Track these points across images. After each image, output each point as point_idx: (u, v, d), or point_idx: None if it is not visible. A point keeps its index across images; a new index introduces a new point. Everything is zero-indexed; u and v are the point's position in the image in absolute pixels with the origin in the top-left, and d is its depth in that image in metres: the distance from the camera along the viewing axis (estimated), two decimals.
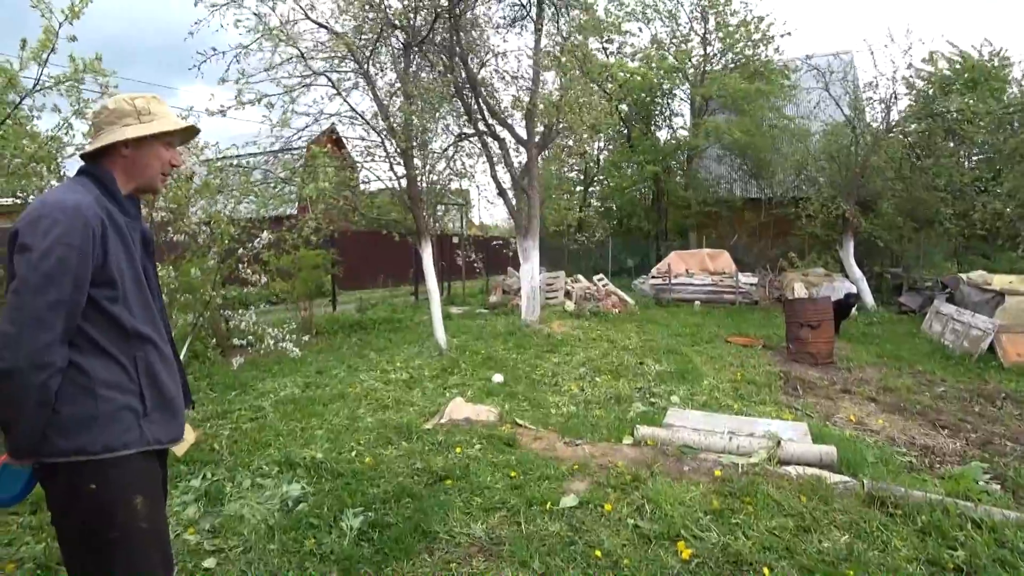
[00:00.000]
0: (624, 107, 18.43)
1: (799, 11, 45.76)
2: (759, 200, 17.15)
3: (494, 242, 16.60)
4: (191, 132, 1.76)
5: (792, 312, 7.60)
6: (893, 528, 2.91)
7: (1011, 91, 14.10)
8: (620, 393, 5.61)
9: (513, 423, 4.56)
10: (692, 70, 17.82)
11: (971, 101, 11.60)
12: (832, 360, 7.26)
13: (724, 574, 2.53)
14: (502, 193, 9.94)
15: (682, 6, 17.52)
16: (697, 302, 12.49)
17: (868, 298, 12.29)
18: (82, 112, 4.42)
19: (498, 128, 9.53)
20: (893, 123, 12.46)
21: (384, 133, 7.92)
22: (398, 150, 7.72)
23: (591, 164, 20.35)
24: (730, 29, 16.80)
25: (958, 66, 13.51)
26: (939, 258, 15.17)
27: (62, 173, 4.53)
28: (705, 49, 17.54)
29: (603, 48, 18.69)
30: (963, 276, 9.76)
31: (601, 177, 20.88)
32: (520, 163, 10.03)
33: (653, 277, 13.58)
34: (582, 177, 20.81)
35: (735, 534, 2.78)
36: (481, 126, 9.38)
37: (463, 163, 9.92)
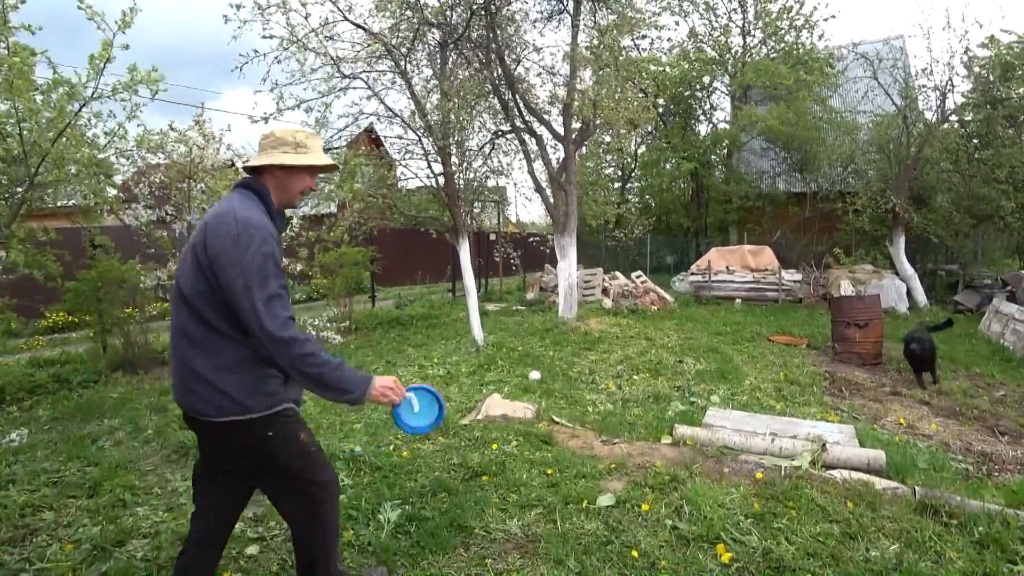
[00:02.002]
0: (661, 102, 18.13)
1: None
2: (803, 194, 16.61)
3: (531, 239, 16.58)
4: (334, 167, 2.13)
5: (838, 310, 7.33)
6: (948, 538, 2.77)
7: None
8: (658, 392, 5.53)
9: (550, 420, 4.55)
10: (732, 61, 17.36)
11: None
12: (880, 361, 6.99)
13: None
14: (539, 190, 9.92)
15: None
16: (738, 300, 12.20)
17: (921, 297, 11.77)
18: (134, 116, 4.63)
19: (535, 124, 9.51)
20: (949, 112, 11.83)
21: (421, 131, 8.01)
22: (435, 148, 7.78)
23: (628, 160, 20.09)
24: (772, 17, 16.28)
25: (1017, 49, 12.67)
26: (999, 254, 14.40)
27: (114, 178, 4.78)
28: (745, 39, 17.07)
29: (635, 44, 18.46)
30: None
31: (639, 173, 20.60)
32: (557, 159, 9.99)
33: (692, 274, 13.33)
34: (620, 173, 20.57)
35: (777, 539, 2.70)
36: (518, 123, 9.37)
37: (499, 160, 9.95)
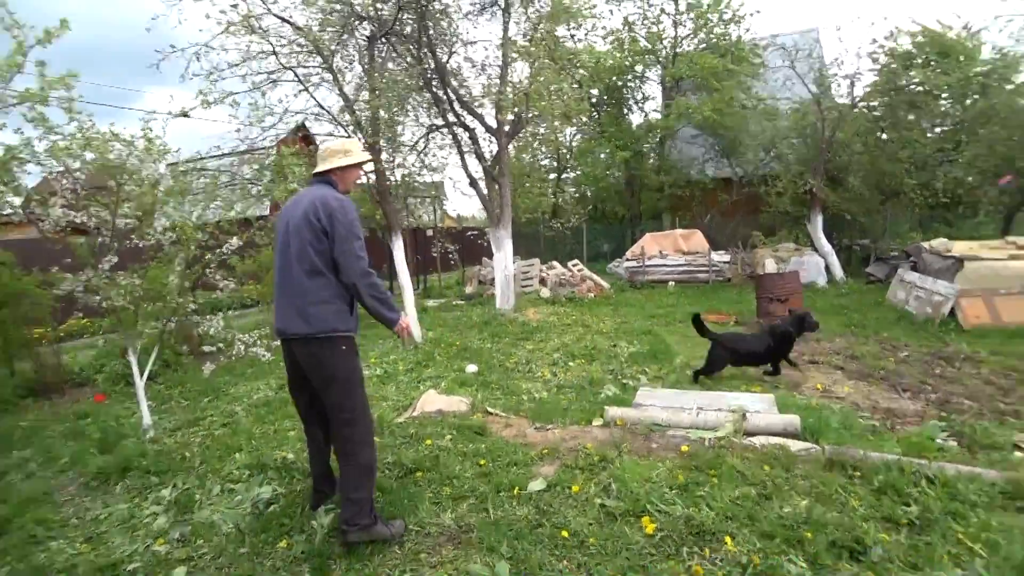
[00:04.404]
0: (595, 92, 18.42)
1: None
2: (730, 179, 17.33)
3: (469, 233, 16.55)
4: (372, 159, 3.51)
5: (762, 287, 7.74)
6: (852, 489, 2.99)
7: (982, 59, 14.28)
8: (592, 376, 5.67)
9: (485, 412, 4.58)
10: (664, 52, 17.84)
11: (931, 74, 11.86)
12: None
13: (687, 545, 2.59)
14: (473, 183, 9.92)
15: None
16: (671, 282, 12.63)
17: (838, 270, 12.54)
18: (44, 123, 4.32)
19: (468, 118, 9.49)
20: (858, 99, 12.69)
21: (351, 127, 7.85)
22: (365, 144, 7.66)
23: (564, 151, 20.35)
24: (702, 9, 16.81)
25: (921, 39, 13.70)
26: (904, 228, 15.46)
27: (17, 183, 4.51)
28: (676, 30, 17.56)
29: (571, 35, 18.66)
30: (925, 244, 9.99)
31: (574, 163, 20.89)
32: (491, 153, 10.02)
33: (627, 260, 13.69)
34: (555, 164, 20.80)
35: (699, 506, 2.84)
36: (451, 116, 9.33)
37: (435, 155, 9.89)
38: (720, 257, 13.08)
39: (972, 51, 14.31)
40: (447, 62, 8.92)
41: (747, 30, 16.86)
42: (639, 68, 18.37)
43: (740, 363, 5.53)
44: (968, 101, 12.77)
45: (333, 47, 7.64)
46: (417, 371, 6.34)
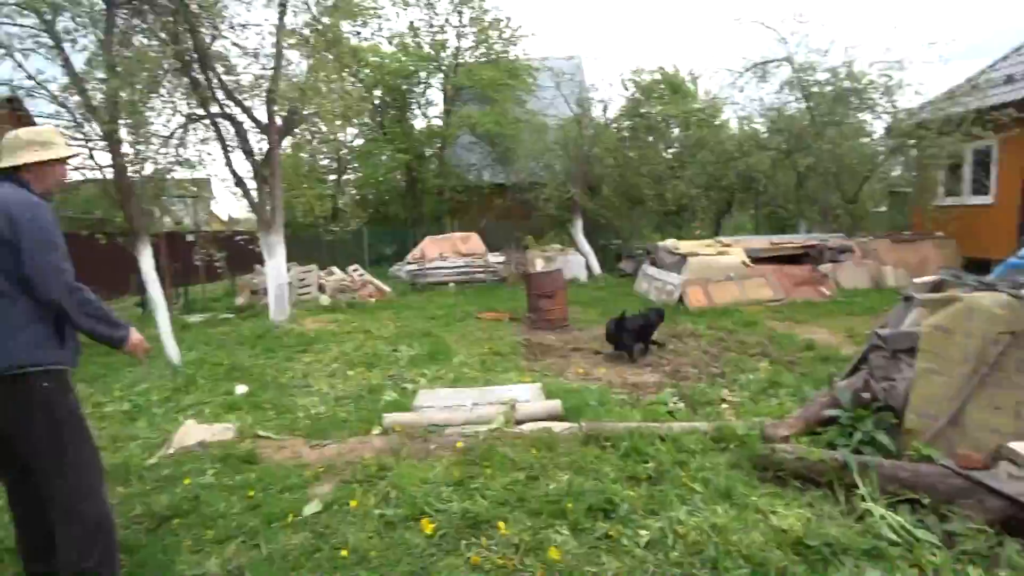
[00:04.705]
0: (378, 93, 18.15)
1: (538, 16, 52.01)
2: (504, 185, 18.60)
3: (239, 237, 14.97)
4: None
5: (531, 284, 8.43)
6: (604, 458, 3.43)
7: (699, 97, 17.94)
8: (372, 384, 5.58)
9: (255, 436, 4.17)
10: (447, 61, 18.31)
11: (664, 106, 14.49)
12: (567, 324, 8.28)
13: (464, 537, 2.69)
14: (240, 183, 9.02)
15: None
16: (451, 284, 13.07)
17: (596, 267, 14.31)
18: None
19: (235, 110, 8.55)
20: (610, 120, 14.81)
21: (80, 111, 6.47)
22: (101, 132, 6.39)
23: (344, 152, 19.63)
24: (484, 25, 17.59)
25: (658, 76, 16.68)
26: (647, 230, 18.40)
27: None
28: (459, 41, 18.14)
29: (357, 33, 18.04)
30: (660, 244, 11.95)
31: (355, 165, 20.29)
32: (261, 150, 9.18)
33: (409, 263, 13.79)
34: (335, 164, 19.96)
35: (474, 498, 2.97)
36: (214, 107, 8.31)
37: (197, 149, 8.72)
38: (496, 258, 13.94)
39: (692, 92, 17.88)
40: (211, 44, 7.94)
41: (523, 50, 18.22)
42: (423, 74, 18.64)
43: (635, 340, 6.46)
44: (689, 131, 15.79)
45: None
46: (175, 399, 5.50)
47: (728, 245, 10.91)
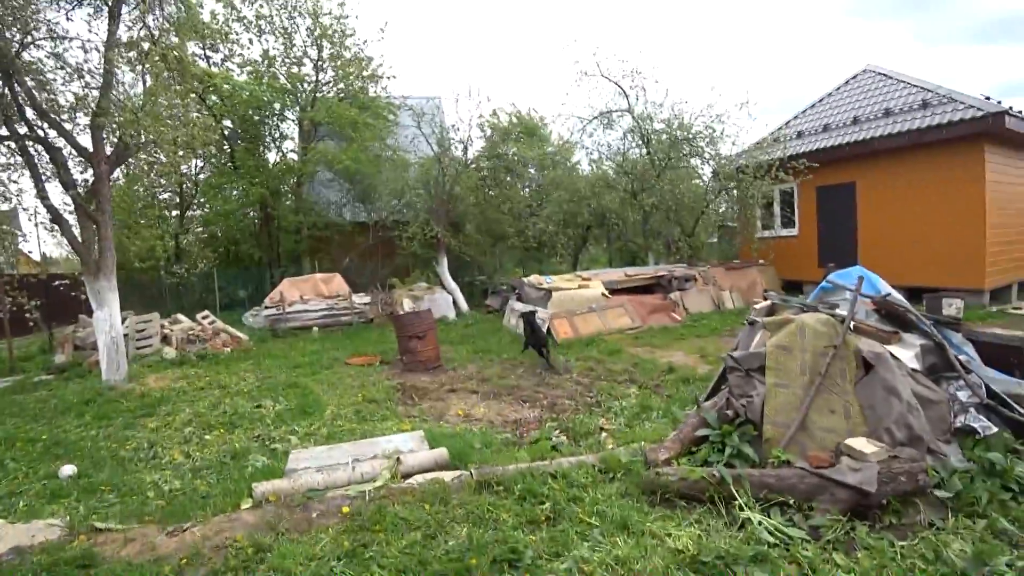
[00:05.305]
0: (228, 123, 16.80)
1: (399, 54, 52.45)
2: (367, 224, 18.09)
3: (58, 283, 12.77)
4: None
5: (401, 326, 8.16)
6: (500, 504, 3.33)
7: (553, 140, 19.15)
8: (235, 448, 4.94)
9: (91, 530, 3.43)
10: (304, 94, 17.51)
11: (521, 148, 15.24)
12: (440, 364, 8.11)
13: None
14: (57, 220, 7.72)
15: (298, 29, 16.96)
16: (315, 328, 12.28)
17: (464, 304, 14.34)
18: None
19: (51, 134, 7.34)
20: (470, 160, 15.14)
21: None
22: None
23: (188, 185, 17.79)
24: (344, 60, 17.09)
25: (515, 119, 17.55)
26: (510, 266, 18.94)
27: None
28: (318, 76, 17.42)
29: (205, 56, 16.59)
30: (524, 279, 12.31)
31: (202, 200, 18.45)
32: (86, 182, 7.95)
33: (267, 308, 12.72)
34: (178, 200, 18.00)
35: (370, 568, 2.71)
36: (22, 128, 7.06)
37: None
38: (361, 299, 13.39)
39: (546, 135, 19.09)
40: (19, 52, 6.79)
41: (384, 88, 18.01)
42: (277, 106, 17.63)
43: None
44: (545, 171, 16.69)
45: None
46: None
47: (588, 279, 11.56)
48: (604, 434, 4.88)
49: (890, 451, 3.35)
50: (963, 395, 3.83)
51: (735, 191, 13.61)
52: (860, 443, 3.39)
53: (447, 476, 3.68)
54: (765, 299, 5.50)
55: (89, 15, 7.45)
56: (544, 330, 8.10)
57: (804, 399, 3.84)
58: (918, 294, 8.64)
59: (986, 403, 3.75)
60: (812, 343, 4.07)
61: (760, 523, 2.92)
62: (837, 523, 2.93)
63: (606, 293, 10.95)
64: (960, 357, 4.09)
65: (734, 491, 3.19)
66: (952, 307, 7.15)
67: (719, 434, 3.81)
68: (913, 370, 3.92)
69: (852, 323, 4.08)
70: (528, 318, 8.14)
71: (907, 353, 4.05)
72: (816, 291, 5.15)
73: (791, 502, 3.12)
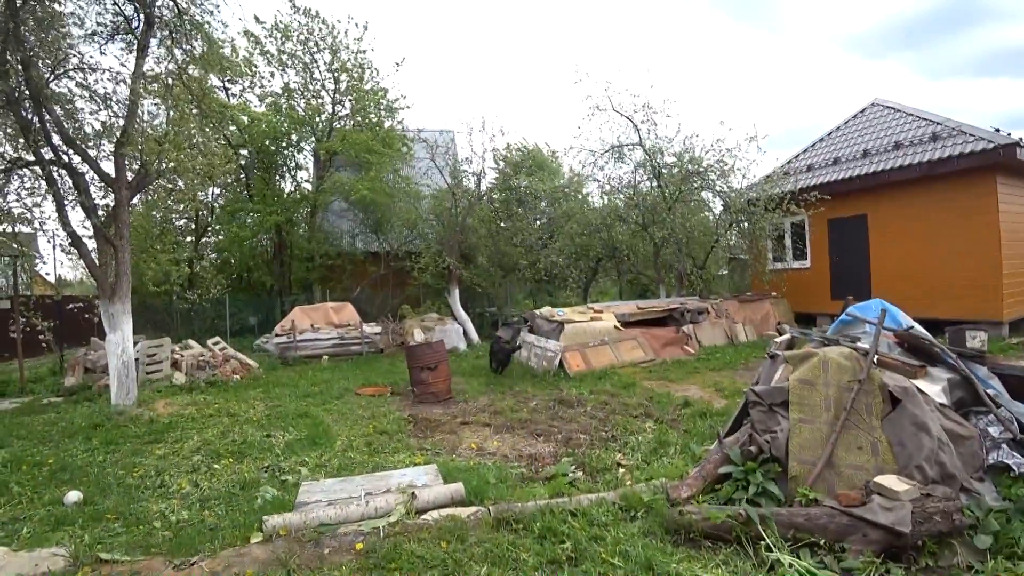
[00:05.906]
0: (245, 152, 17.19)
1: (413, 87, 54.43)
2: (379, 253, 18.25)
3: (72, 306, 12.89)
4: None
5: (412, 357, 8.09)
6: (519, 543, 3.21)
7: (564, 173, 19.42)
8: (245, 478, 4.85)
9: (96, 561, 3.35)
10: (321, 124, 17.92)
11: (529, 182, 15.47)
12: (451, 395, 8.01)
13: None
14: (76, 244, 7.84)
15: (317, 64, 17.46)
16: (325, 357, 12.24)
17: (474, 335, 14.28)
18: None
19: (75, 159, 7.55)
20: (483, 192, 15.35)
21: None
22: None
23: (204, 212, 18.08)
24: (361, 94, 17.53)
25: (525, 153, 17.90)
26: (521, 297, 18.95)
27: None
28: (335, 108, 17.86)
29: (225, 87, 17.09)
30: (537, 311, 12.25)
31: (217, 227, 18.72)
32: (107, 207, 8.11)
33: (277, 335, 12.72)
34: (193, 226, 18.28)
35: None
36: (48, 153, 7.26)
37: (21, 199, 7.52)
38: (372, 329, 13.38)
39: (557, 168, 19.41)
40: (50, 82, 7.04)
41: (399, 121, 18.37)
42: (295, 136, 18.05)
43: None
44: (556, 204, 16.85)
45: None
46: None
47: (600, 311, 11.48)
48: (622, 470, 4.75)
49: (923, 489, 3.22)
50: (994, 430, 3.70)
51: (746, 224, 13.62)
52: (891, 481, 3.26)
53: (463, 512, 3.58)
54: (779, 332, 5.42)
55: (122, 49, 7.79)
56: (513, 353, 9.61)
57: (830, 435, 3.72)
58: (933, 326, 8.50)
59: (1019, 438, 3.63)
60: (836, 377, 3.97)
61: (791, 565, 2.79)
62: (871, 565, 2.80)
63: (618, 326, 10.86)
64: (988, 391, 3.98)
65: (762, 531, 3.06)
66: (976, 339, 7.00)
67: (743, 471, 3.69)
68: (941, 405, 3.81)
69: (876, 356, 3.99)
70: (492, 346, 9.62)
71: (934, 387, 3.94)
72: (836, 324, 5.06)
73: (821, 543, 2.99)
